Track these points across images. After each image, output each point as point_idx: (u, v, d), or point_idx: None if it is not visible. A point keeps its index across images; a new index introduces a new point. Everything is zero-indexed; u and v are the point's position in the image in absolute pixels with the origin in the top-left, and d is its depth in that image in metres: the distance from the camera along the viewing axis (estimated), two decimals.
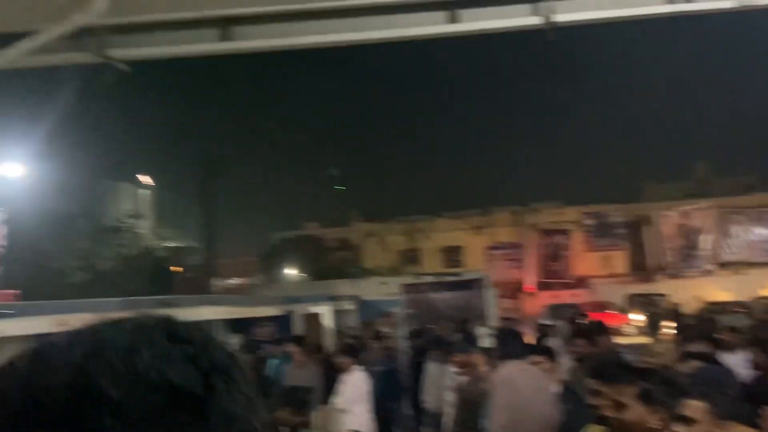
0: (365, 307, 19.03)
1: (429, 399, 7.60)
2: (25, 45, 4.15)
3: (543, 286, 34.62)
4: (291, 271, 37.00)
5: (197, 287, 30.40)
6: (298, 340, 8.24)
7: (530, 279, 35.30)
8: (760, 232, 33.49)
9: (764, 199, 35.43)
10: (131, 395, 0.42)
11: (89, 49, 4.52)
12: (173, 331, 0.48)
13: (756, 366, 5.20)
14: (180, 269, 34.58)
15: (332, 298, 18.59)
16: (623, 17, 4.72)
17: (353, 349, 7.30)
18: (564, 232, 35.75)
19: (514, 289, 34.58)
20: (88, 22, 4.15)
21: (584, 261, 35.38)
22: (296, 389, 7.07)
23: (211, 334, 0.51)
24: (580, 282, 34.04)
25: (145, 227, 33.82)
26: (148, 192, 40.90)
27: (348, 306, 18.87)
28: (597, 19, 4.74)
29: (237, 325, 14.16)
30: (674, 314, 20.10)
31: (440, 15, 4.76)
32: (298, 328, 15.07)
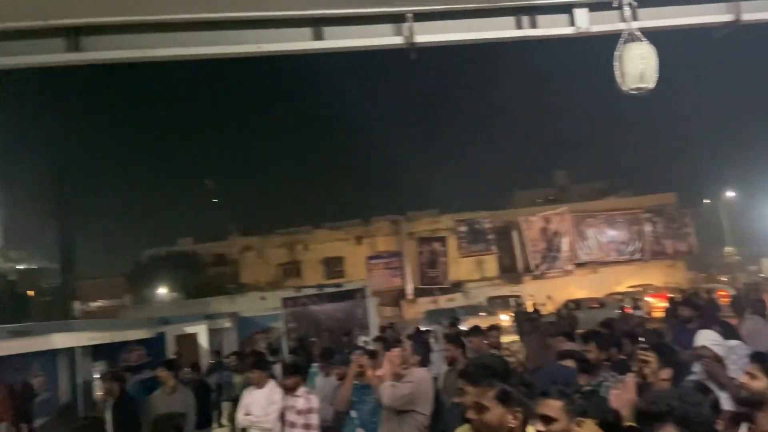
0: (244, 323, 18.56)
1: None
2: None
3: (422, 293, 35.64)
4: (163, 290, 35.12)
5: (56, 312, 27.93)
6: (169, 364, 7.82)
7: (410, 286, 36.22)
8: (611, 233, 36.85)
9: (615, 204, 39.11)
10: None
11: None
12: None
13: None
14: (33, 293, 31.64)
15: (209, 317, 17.94)
16: (478, 40, 5.05)
17: (264, 363, 7.07)
18: (440, 239, 37.12)
19: (395, 297, 35.31)
20: None
21: (459, 266, 36.92)
22: (169, 417, 6.69)
23: None
24: (456, 286, 35.48)
25: None
26: None
27: (226, 324, 18.29)
28: (455, 41, 5.04)
29: (102, 351, 13.20)
30: (530, 313, 21.59)
31: (306, 31, 4.81)
32: (171, 350, 14.33)
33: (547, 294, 32.44)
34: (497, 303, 29.93)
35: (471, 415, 2.55)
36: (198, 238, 40.81)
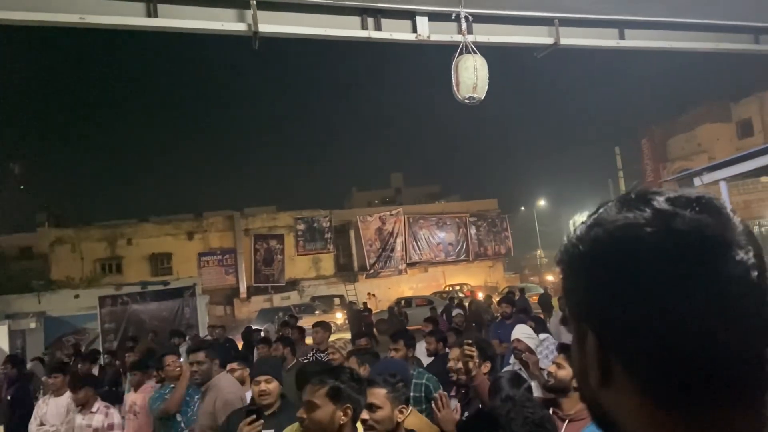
0: (52, 324, 16.78)
1: None
2: None
3: (256, 291, 34.95)
4: None
5: None
6: None
7: (243, 284, 35.31)
8: (440, 235, 39.13)
9: (444, 207, 41.62)
10: None
11: None
12: None
13: (430, 353, 6.02)
14: None
15: (10, 316, 16.03)
16: (322, 36, 5.03)
17: (65, 367, 6.32)
18: (277, 237, 36.65)
19: (227, 296, 34.17)
20: None
21: (296, 264, 36.77)
22: None
23: None
24: (292, 285, 35.29)
25: None
26: None
27: (31, 324, 16.42)
28: (299, 35, 4.96)
29: None
30: (362, 311, 22.33)
31: (138, 6, 4.41)
32: None
33: (373, 292, 33.55)
34: (322, 302, 30.40)
35: (301, 413, 2.52)
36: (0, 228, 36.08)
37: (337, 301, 31.13)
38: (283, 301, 31.78)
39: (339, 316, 26.10)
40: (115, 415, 5.40)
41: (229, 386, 4.32)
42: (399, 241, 37.59)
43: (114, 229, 34.85)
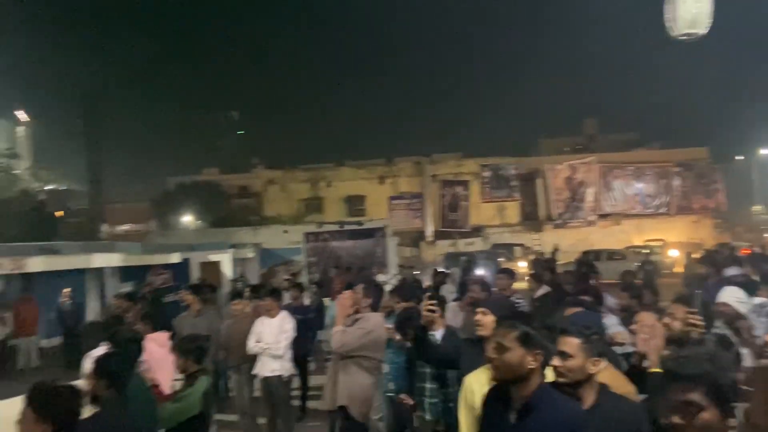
0: (266, 255, 18.93)
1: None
2: None
3: (441, 235, 35.79)
4: (188, 218, 35.78)
5: (83, 233, 28.74)
6: (195, 289, 8.09)
7: (430, 228, 36.36)
8: (637, 186, 36.27)
9: (644, 156, 38.30)
10: None
11: None
12: None
13: (623, 308, 5.75)
14: (62, 214, 32.42)
15: (232, 246, 18.35)
16: None
17: (277, 292, 7.25)
18: (463, 183, 36.91)
19: (414, 238, 35.55)
20: None
21: (480, 211, 36.84)
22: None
23: None
24: (476, 231, 35.52)
25: (22, 167, 31.22)
26: (24, 129, 37.50)
27: (249, 254, 18.67)
28: None
29: (130, 273, 13.66)
30: (548, 261, 21.64)
31: None
32: (195, 275, 14.78)
33: (569, 243, 32.27)
34: (504, 250, 29.93)
35: (492, 354, 2.59)
36: (223, 169, 41.17)
37: (517, 250, 30.59)
38: (467, 247, 32.18)
39: (522, 265, 25.72)
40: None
41: (378, 324, 4.74)
42: (590, 191, 35.64)
43: (315, 172, 37.92)
